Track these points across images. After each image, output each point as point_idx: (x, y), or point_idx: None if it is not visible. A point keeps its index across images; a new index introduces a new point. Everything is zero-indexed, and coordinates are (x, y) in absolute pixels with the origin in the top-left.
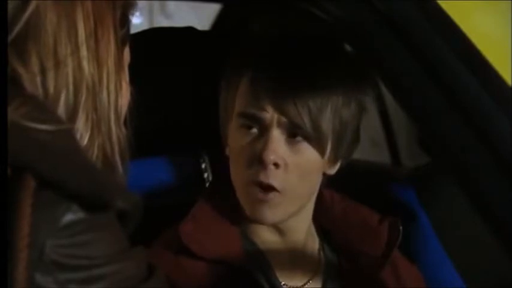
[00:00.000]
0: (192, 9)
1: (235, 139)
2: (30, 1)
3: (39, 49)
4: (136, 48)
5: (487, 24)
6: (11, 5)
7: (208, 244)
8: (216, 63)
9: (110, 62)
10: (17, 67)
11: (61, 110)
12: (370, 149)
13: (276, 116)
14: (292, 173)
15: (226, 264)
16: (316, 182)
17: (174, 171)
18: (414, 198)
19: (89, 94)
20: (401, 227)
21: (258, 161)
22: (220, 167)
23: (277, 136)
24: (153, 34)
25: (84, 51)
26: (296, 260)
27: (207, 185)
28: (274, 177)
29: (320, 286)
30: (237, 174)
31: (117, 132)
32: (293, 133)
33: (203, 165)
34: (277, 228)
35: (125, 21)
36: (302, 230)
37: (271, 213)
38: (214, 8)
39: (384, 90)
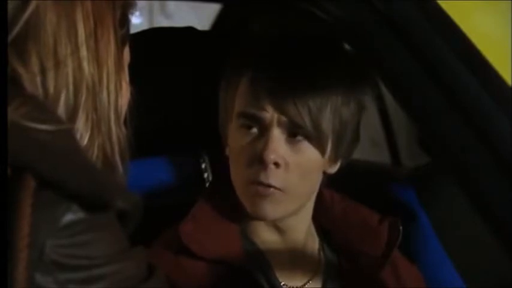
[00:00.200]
0: (192, 9)
1: (235, 139)
2: (30, 1)
3: (39, 49)
4: (136, 48)
5: (487, 24)
6: (11, 5)
7: (208, 244)
8: (216, 63)
9: (110, 62)
10: (17, 67)
11: (61, 110)
12: (370, 149)
13: (276, 115)
14: (293, 173)
15: (226, 264)
16: (317, 181)
17: (174, 171)
18: (414, 198)
19: (89, 94)
20: (401, 227)
21: (258, 160)
22: (220, 167)
23: (277, 136)
24: (153, 34)
25: (84, 51)
26: (296, 260)
27: (207, 185)
28: (274, 177)
29: (320, 286)
30: (237, 174)
31: (117, 132)
32: (293, 132)
33: (203, 165)
34: (277, 227)
35: (125, 21)
36: (302, 230)
37: (272, 208)
38: (214, 8)
39: (384, 90)
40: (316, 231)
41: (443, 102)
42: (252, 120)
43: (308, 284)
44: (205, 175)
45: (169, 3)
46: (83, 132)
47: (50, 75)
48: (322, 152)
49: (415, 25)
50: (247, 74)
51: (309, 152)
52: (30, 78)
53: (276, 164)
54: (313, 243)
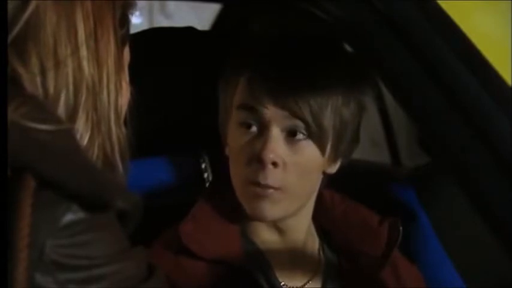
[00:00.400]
0: (192, 9)
1: (235, 138)
2: (30, 1)
3: (39, 49)
4: (136, 48)
5: (487, 24)
6: (11, 5)
7: (208, 244)
8: (216, 63)
9: (110, 62)
10: (17, 67)
11: (61, 110)
12: (370, 149)
13: (275, 113)
14: (291, 172)
15: (226, 264)
16: (316, 181)
17: (174, 171)
18: (414, 198)
19: (89, 94)
20: (401, 227)
21: (256, 160)
22: (220, 167)
23: (276, 135)
24: (153, 34)
25: (84, 51)
26: (296, 260)
27: (207, 185)
28: (272, 177)
29: (320, 286)
30: (236, 173)
31: (117, 132)
32: (293, 132)
33: (203, 165)
34: (277, 227)
35: (125, 21)
36: (302, 230)
37: (271, 209)
38: (214, 8)
39: (384, 90)
40: (316, 232)
41: (443, 102)
42: (251, 113)
43: (308, 284)
44: (205, 175)
45: (169, 3)
46: (83, 132)
47: (50, 75)
48: (322, 150)
49: (415, 25)
50: (247, 74)
51: (308, 151)
52: (30, 78)
53: (274, 164)
54: (313, 244)
